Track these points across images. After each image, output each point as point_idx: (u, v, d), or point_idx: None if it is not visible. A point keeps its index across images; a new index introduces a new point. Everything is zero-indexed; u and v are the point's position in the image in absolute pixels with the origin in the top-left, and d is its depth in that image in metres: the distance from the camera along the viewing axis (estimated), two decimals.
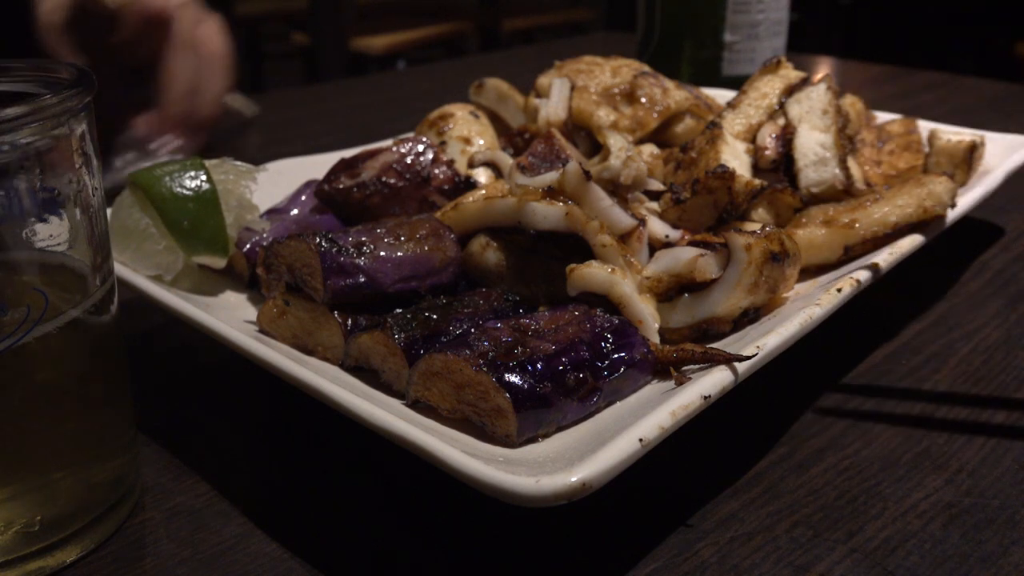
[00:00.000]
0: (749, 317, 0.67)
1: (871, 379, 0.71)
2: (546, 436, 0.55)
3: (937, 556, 0.52)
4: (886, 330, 0.78)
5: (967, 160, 0.89)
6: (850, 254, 0.75)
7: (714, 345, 0.62)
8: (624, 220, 0.70)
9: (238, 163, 0.79)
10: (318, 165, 0.92)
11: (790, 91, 0.92)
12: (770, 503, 0.57)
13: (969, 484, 0.58)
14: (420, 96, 1.68)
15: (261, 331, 0.69)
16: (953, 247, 0.91)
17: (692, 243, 0.70)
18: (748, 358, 0.56)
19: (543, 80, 1.00)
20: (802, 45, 1.77)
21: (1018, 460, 0.60)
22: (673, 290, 0.67)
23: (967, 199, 0.80)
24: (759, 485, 0.58)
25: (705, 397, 0.53)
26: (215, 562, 0.53)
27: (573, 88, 0.97)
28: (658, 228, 0.75)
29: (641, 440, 0.48)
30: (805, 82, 0.93)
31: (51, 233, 0.49)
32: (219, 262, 0.75)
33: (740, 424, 0.65)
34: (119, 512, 0.56)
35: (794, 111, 0.88)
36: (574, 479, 0.45)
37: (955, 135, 0.92)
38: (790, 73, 0.95)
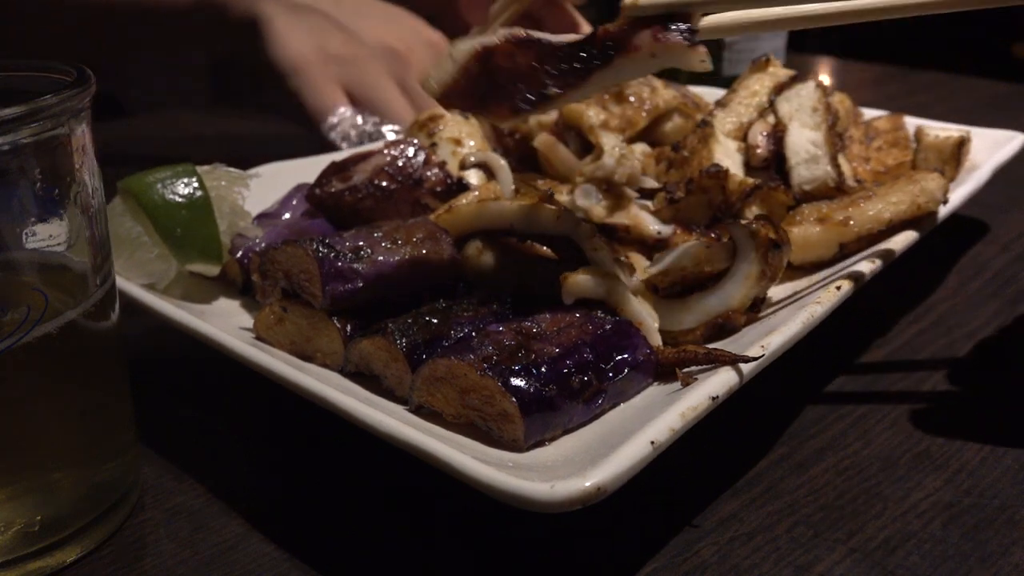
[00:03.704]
0: (756, 309, 0.67)
1: (871, 379, 0.71)
2: (552, 439, 0.55)
3: (937, 556, 0.52)
4: (886, 330, 0.78)
5: (955, 156, 0.89)
6: (845, 251, 0.75)
7: (715, 345, 0.62)
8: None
9: (230, 169, 0.78)
10: (308, 168, 0.91)
11: (779, 89, 0.92)
12: (770, 503, 0.57)
13: (969, 484, 0.58)
14: None
15: (258, 338, 0.68)
16: (953, 247, 0.91)
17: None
18: (755, 359, 0.56)
19: None
20: (802, 45, 1.77)
21: (1018, 460, 0.60)
22: (678, 288, 0.67)
23: (957, 194, 0.81)
24: (759, 485, 0.58)
25: (713, 398, 0.53)
26: (215, 562, 0.53)
27: None
28: (650, 224, 0.75)
29: (653, 443, 0.48)
30: (794, 80, 0.93)
31: (51, 233, 0.49)
32: (213, 269, 0.75)
33: (740, 424, 0.65)
34: (119, 512, 0.56)
35: (784, 109, 0.88)
36: (588, 484, 0.45)
37: (942, 131, 0.93)
38: (779, 71, 0.95)
